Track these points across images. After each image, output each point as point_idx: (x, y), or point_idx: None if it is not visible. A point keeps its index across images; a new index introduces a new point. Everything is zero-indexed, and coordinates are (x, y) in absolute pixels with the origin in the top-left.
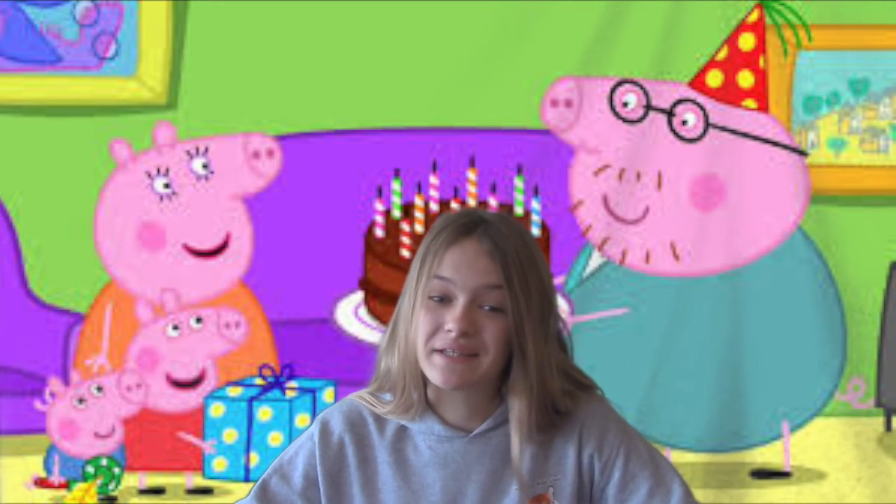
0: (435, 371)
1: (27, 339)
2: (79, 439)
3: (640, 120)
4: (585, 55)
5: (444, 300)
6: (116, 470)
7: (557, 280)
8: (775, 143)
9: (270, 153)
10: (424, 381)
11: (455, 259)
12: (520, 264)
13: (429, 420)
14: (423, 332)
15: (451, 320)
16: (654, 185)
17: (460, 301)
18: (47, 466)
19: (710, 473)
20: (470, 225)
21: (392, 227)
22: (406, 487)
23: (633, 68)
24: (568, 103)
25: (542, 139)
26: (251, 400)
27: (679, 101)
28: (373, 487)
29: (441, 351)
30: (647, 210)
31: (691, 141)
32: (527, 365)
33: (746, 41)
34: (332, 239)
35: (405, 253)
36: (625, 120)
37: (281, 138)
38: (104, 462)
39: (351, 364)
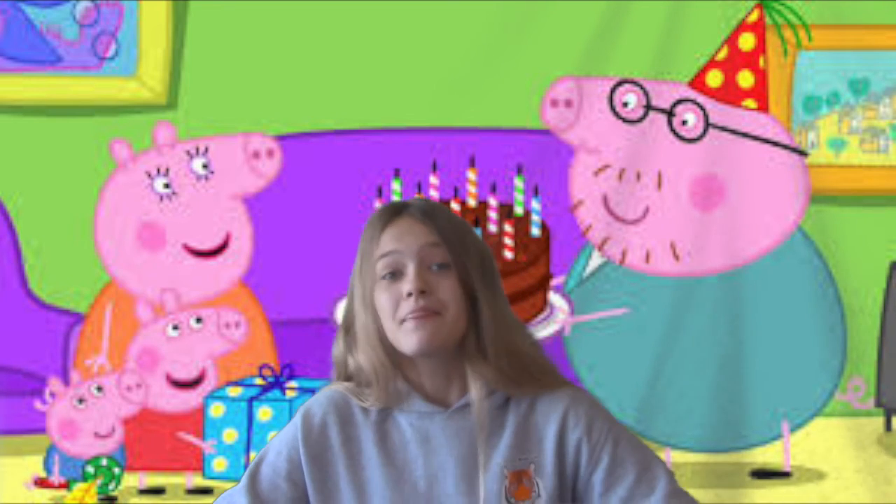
0: (407, 337)
1: (27, 339)
2: (79, 439)
3: (640, 120)
4: (585, 55)
5: (396, 274)
6: (116, 470)
7: (557, 280)
8: (775, 143)
9: (270, 153)
10: (397, 368)
11: (393, 233)
12: (452, 226)
13: (411, 399)
14: (387, 310)
15: (407, 283)
16: (654, 185)
17: (410, 266)
18: (47, 466)
19: (710, 473)
20: (397, 207)
21: None
22: (390, 464)
23: (633, 68)
24: (568, 103)
25: (542, 139)
26: (251, 400)
27: (679, 101)
28: (357, 465)
29: (406, 320)
30: (647, 210)
31: (691, 141)
32: (479, 316)
33: (746, 41)
34: (332, 239)
35: None
36: (625, 120)
37: (281, 138)
38: (104, 462)
39: None
